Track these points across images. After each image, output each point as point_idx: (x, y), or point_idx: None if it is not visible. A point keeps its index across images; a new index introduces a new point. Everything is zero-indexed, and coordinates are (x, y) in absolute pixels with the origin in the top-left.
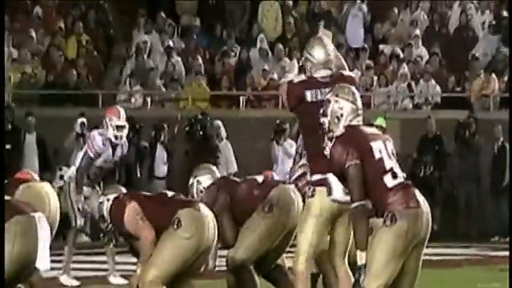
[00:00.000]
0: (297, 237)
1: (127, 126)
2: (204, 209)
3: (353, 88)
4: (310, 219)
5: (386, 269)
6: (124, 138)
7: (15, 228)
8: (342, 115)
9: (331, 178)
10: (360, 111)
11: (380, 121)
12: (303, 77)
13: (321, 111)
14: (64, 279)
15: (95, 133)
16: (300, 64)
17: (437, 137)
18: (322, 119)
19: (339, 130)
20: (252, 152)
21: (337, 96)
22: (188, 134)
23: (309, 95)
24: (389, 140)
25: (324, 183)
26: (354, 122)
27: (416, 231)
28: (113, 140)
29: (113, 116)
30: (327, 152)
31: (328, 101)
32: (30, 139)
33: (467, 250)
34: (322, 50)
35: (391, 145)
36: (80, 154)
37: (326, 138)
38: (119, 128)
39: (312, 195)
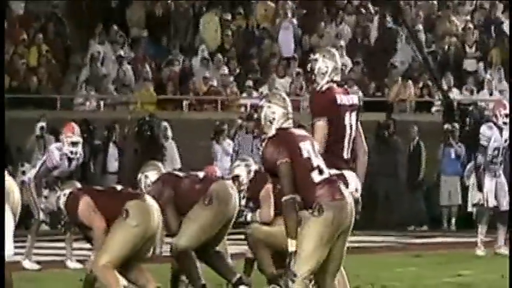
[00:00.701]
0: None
1: (81, 141)
2: (149, 200)
3: (284, 94)
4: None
5: (314, 255)
6: (79, 153)
7: None
8: (274, 119)
9: (347, 174)
10: (290, 115)
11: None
12: (323, 84)
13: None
14: (26, 263)
15: (53, 148)
16: (315, 70)
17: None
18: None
19: (271, 132)
20: (194, 150)
21: (269, 102)
22: (137, 134)
23: (339, 99)
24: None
25: (340, 178)
26: (285, 125)
27: (341, 221)
28: (69, 154)
29: (69, 132)
30: (260, 152)
31: (262, 107)
32: None
33: (387, 238)
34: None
35: (317, 145)
36: (39, 162)
37: (260, 139)
38: (74, 144)
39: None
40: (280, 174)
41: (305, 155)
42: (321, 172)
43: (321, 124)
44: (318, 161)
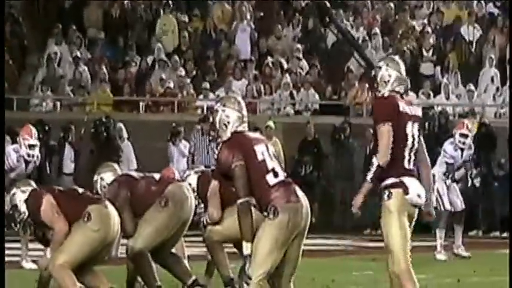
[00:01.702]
0: (386, 242)
1: (38, 144)
2: (110, 206)
3: (239, 98)
4: (393, 219)
5: (269, 257)
6: (36, 156)
7: None
8: (228, 122)
9: (406, 180)
10: (245, 119)
11: (270, 124)
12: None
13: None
14: None
15: (10, 150)
16: (378, 78)
17: (316, 140)
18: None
19: (226, 136)
20: (151, 151)
21: (224, 106)
22: (93, 135)
23: (401, 106)
24: (271, 144)
25: (399, 185)
26: (240, 128)
27: (296, 223)
28: (26, 157)
29: (26, 135)
30: (216, 156)
31: (216, 111)
32: None
33: (343, 241)
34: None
35: (272, 148)
36: None
37: (215, 142)
38: (31, 146)
39: (389, 197)
40: (234, 177)
41: (260, 157)
42: (276, 175)
43: (386, 128)
44: (273, 163)
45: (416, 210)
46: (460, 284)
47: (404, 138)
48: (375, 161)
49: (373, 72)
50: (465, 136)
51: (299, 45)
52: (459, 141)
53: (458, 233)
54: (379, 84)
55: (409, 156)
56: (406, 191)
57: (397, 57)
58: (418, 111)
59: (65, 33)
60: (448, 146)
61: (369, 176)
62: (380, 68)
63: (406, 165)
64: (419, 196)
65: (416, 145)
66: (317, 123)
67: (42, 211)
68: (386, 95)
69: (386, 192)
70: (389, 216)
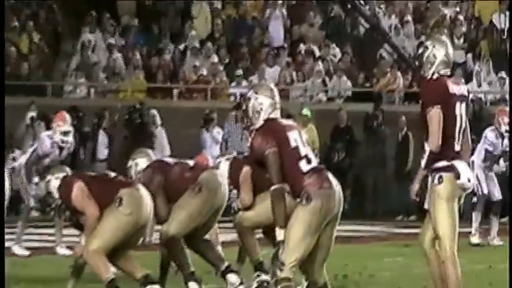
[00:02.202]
0: (435, 226)
1: (72, 130)
2: (142, 189)
3: (271, 85)
4: (443, 204)
5: (302, 243)
6: (70, 142)
7: None
8: (261, 109)
9: (457, 164)
10: (278, 106)
11: (306, 112)
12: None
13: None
14: (16, 249)
15: (44, 136)
16: (424, 58)
17: (348, 127)
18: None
19: (259, 123)
20: (184, 138)
21: (256, 93)
22: (127, 121)
23: (450, 87)
24: (306, 131)
25: (450, 169)
26: (272, 115)
27: (329, 209)
28: (60, 144)
29: (60, 121)
30: (249, 142)
31: (249, 98)
32: None
33: (375, 228)
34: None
35: (305, 135)
36: (30, 149)
37: (248, 130)
38: (65, 133)
39: (440, 182)
40: (268, 163)
41: (293, 144)
42: (308, 161)
43: (436, 111)
44: (305, 150)
45: (464, 194)
46: (491, 270)
47: (454, 120)
48: (427, 147)
49: (419, 50)
50: (509, 124)
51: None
52: (505, 130)
53: (495, 224)
54: (425, 65)
55: (459, 137)
56: (457, 176)
57: (444, 37)
58: (465, 91)
59: (99, 20)
60: (489, 133)
61: (423, 163)
62: (427, 47)
63: (457, 148)
64: (469, 180)
65: (464, 125)
66: (349, 110)
67: (73, 197)
68: (435, 77)
69: (437, 176)
70: (439, 202)
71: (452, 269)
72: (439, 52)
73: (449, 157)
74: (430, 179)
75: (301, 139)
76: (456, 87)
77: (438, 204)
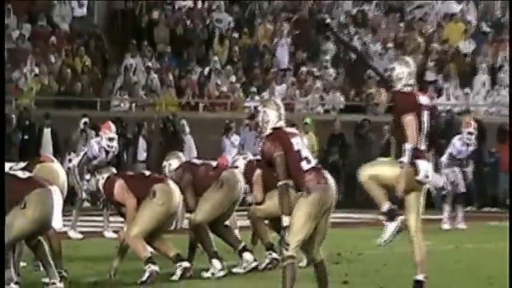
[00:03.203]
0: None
1: (116, 137)
2: (172, 184)
3: (277, 100)
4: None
5: (303, 228)
6: (114, 147)
7: (37, 197)
8: (269, 120)
9: (419, 162)
10: (283, 117)
11: (309, 121)
12: (401, 87)
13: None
14: (72, 233)
15: (93, 142)
16: (393, 76)
17: (342, 134)
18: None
19: (268, 131)
20: (208, 143)
21: (264, 107)
22: (162, 130)
23: (419, 99)
24: (307, 137)
25: (412, 165)
26: (278, 125)
27: (325, 201)
28: (106, 148)
29: (107, 130)
30: (260, 147)
31: (259, 111)
32: (47, 132)
33: (365, 215)
34: (412, 64)
35: (306, 140)
36: (82, 152)
37: (259, 137)
38: (111, 139)
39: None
40: (276, 164)
41: (295, 148)
42: (308, 162)
43: (411, 118)
44: (306, 153)
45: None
46: (457, 250)
47: (420, 125)
48: (408, 146)
49: (388, 73)
50: (471, 134)
51: (328, 57)
52: (467, 138)
53: (460, 211)
54: (395, 81)
55: (424, 139)
56: (416, 172)
57: (407, 57)
58: (429, 102)
59: (139, 47)
60: (457, 141)
61: (407, 159)
62: (394, 68)
63: (422, 147)
64: (427, 177)
65: (427, 129)
66: (342, 120)
67: (115, 193)
68: (405, 90)
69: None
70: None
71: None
72: (405, 69)
73: (415, 156)
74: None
75: (302, 143)
76: (423, 98)
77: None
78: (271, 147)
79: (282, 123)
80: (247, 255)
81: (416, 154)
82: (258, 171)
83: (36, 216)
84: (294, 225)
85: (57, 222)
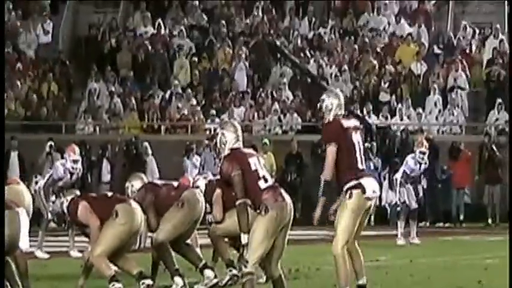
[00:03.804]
0: (337, 229)
1: (80, 159)
2: (134, 204)
3: (235, 122)
4: (348, 212)
5: (261, 245)
6: (78, 168)
7: (5, 219)
8: (226, 142)
9: (363, 181)
10: (240, 138)
11: (266, 141)
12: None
13: None
14: (38, 253)
15: (58, 164)
16: (323, 108)
17: (299, 154)
18: None
19: (226, 152)
20: (170, 164)
21: (222, 129)
22: (125, 152)
23: (344, 124)
24: (265, 157)
25: (358, 186)
26: (236, 145)
27: (282, 218)
28: (71, 170)
29: (71, 152)
30: (219, 168)
31: (217, 133)
32: (14, 155)
33: (321, 232)
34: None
35: (262, 160)
36: (47, 174)
37: (218, 158)
38: (75, 161)
39: (350, 197)
40: (234, 183)
41: (253, 167)
42: (265, 180)
43: (331, 149)
44: (263, 172)
45: (373, 203)
46: (412, 264)
47: (353, 146)
48: (322, 177)
49: (318, 105)
50: (424, 153)
51: (285, 80)
52: (419, 157)
53: (413, 227)
54: (325, 112)
55: (361, 158)
56: (364, 190)
57: (336, 89)
58: (357, 123)
59: (102, 72)
60: (410, 160)
61: (320, 192)
62: (323, 100)
63: (361, 167)
64: (374, 192)
65: (362, 148)
66: (299, 140)
67: (79, 215)
68: (331, 119)
69: (348, 192)
70: (346, 211)
71: (342, 263)
72: (334, 100)
73: (357, 176)
74: (342, 197)
75: (260, 163)
76: (348, 122)
77: (344, 212)
78: (229, 167)
79: (239, 144)
80: (208, 272)
81: (358, 174)
82: (218, 191)
83: (3, 237)
84: (253, 243)
85: (24, 242)
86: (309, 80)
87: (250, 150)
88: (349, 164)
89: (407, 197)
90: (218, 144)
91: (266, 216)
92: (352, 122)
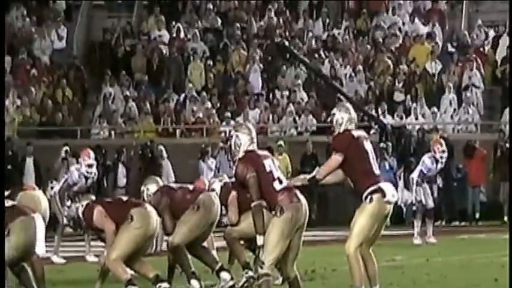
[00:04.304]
0: (352, 230)
1: (95, 164)
2: (149, 207)
3: (249, 124)
4: (367, 216)
5: (277, 246)
6: (94, 173)
7: (21, 225)
8: (240, 144)
9: (382, 185)
10: (255, 140)
11: (281, 143)
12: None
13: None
14: (54, 259)
15: (73, 169)
16: (334, 122)
17: (314, 154)
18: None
19: (240, 154)
20: (185, 167)
21: (236, 131)
22: (141, 155)
23: (355, 133)
24: (281, 159)
25: (378, 190)
26: (250, 148)
27: (298, 219)
28: (86, 174)
29: (86, 157)
30: (233, 170)
31: (231, 136)
32: (29, 161)
33: (336, 232)
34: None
35: (277, 161)
36: (62, 179)
37: (233, 161)
38: (90, 166)
39: (371, 201)
40: (249, 185)
41: (268, 169)
42: (280, 182)
43: (336, 158)
44: (278, 173)
45: (391, 208)
46: (428, 263)
47: (366, 154)
48: (316, 170)
49: (329, 119)
50: (444, 151)
51: (299, 81)
52: (440, 157)
53: (430, 226)
54: (335, 126)
55: (375, 164)
56: (384, 195)
57: (348, 104)
58: (365, 133)
59: (117, 77)
60: (427, 159)
61: (310, 175)
62: (334, 114)
63: (376, 172)
64: (393, 196)
65: (374, 155)
66: (315, 141)
67: (94, 219)
68: (342, 130)
69: (369, 197)
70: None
71: (355, 263)
72: (345, 115)
73: (375, 182)
74: (363, 201)
75: (274, 165)
76: (358, 132)
77: (363, 214)
78: (244, 169)
79: (254, 146)
80: (224, 275)
81: (376, 180)
82: (233, 193)
83: (20, 243)
84: (268, 244)
85: (41, 248)
86: (321, 80)
87: (264, 152)
88: (365, 170)
89: (423, 196)
90: (233, 147)
91: (281, 217)
92: (361, 132)
